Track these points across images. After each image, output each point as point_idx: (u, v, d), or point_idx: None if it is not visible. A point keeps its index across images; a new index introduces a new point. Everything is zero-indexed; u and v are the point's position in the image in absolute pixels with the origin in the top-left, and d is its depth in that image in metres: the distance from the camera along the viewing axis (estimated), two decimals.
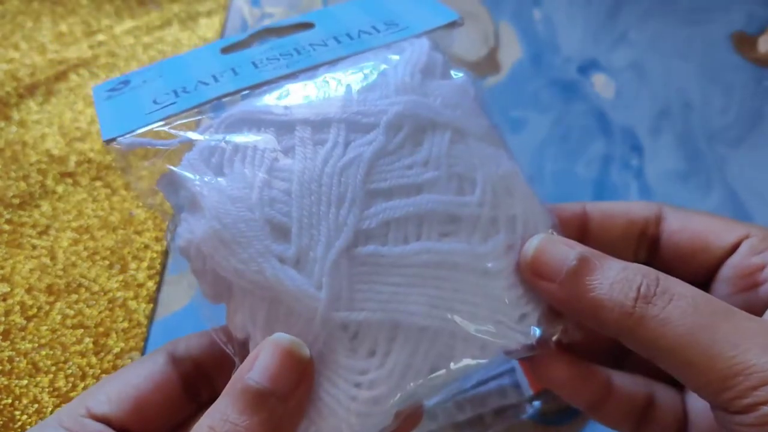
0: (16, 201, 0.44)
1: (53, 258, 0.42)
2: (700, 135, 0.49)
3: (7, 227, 0.43)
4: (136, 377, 0.22)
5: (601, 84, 0.51)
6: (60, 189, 0.44)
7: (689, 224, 0.25)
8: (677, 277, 0.21)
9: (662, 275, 0.21)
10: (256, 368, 0.18)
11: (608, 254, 0.22)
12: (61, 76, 0.49)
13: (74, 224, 0.43)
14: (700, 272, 0.25)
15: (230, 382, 0.19)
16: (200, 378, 0.23)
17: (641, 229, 0.26)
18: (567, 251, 0.21)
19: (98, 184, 0.45)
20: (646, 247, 0.26)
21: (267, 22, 0.54)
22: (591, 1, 0.55)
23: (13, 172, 0.45)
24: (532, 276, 0.22)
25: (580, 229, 0.26)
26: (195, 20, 0.54)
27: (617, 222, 0.26)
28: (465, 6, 0.54)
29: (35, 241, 0.42)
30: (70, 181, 0.45)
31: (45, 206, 0.44)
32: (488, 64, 0.52)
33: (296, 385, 0.19)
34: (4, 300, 0.40)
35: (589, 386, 0.24)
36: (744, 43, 0.52)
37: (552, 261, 0.22)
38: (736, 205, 0.46)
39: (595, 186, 0.47)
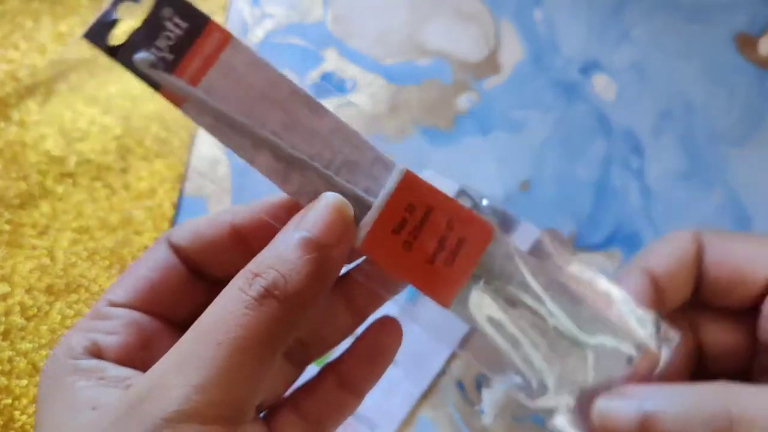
0: (16, 201, 0.44)
1: (53, 258, 0.42)
2: (702, 136, 0.48)
3: (7, 227, 0.43)
4: (144, 268, 0.23)
5: (602, 85, 0.50)
6: (60, 189, 0.44)
7: (729, 255, 0.24)
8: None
9: (735, 411, 0.19)
10: (309, 219, 0.20)
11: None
12: (61, 77, 0.49)
13: (74, 224, 0.43)
14: (745, 304, 0.24)
15: (282, 231, 0.20)
16: (202, 256, 0.24)
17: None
18: (627, 414, 0.21)
19: (98, 184, 0.45)
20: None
21: (267, 23, 0.54)
22: (592, 1, 0.54)
23: (13, 172, 0.45)
24: None
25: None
26: None
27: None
28: (465, 6, 0.54)
29: (35, 241, 0.43)
30: (69, 181, 0.45)
31: (45, 206, 0.44)
32: (489, 64, 0.51)
33: (341, 239, 0.20)
34: (4, 300, 0.40)
35: None
36: (747, 44, 0.52)
37: (617, 426, 0.21)
38: (737, 207, 0.46)
39: (595, 188, 0.46)
